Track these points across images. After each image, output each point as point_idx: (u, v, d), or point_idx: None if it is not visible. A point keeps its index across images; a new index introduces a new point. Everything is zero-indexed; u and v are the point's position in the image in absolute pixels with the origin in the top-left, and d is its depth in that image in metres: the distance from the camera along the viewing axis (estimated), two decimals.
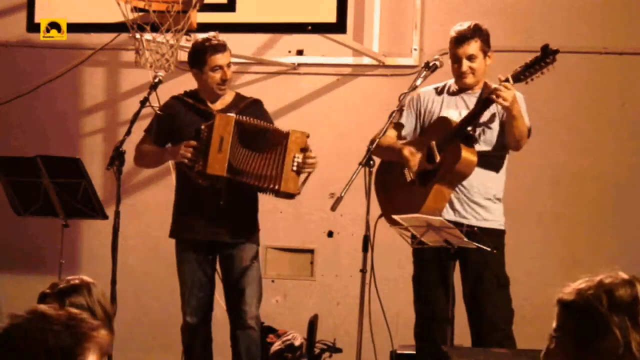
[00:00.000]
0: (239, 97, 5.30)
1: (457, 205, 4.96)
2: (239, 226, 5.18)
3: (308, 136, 5.12)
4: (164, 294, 6.56)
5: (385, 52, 6.43)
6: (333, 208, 4.77)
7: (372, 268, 4.92)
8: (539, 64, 4.68)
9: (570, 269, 6.16)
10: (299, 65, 6.56)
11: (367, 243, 4.83)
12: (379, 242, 5.01)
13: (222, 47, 5.13)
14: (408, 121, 5.11)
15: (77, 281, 3.14)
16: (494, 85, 4.77)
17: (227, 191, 5.10)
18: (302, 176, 5.14)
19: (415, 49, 6.37)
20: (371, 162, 4.81)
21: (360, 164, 4.79)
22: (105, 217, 5.63)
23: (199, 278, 5.20)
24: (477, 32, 4.94)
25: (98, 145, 6.84)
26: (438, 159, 4.90)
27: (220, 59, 5.13)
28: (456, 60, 4.96)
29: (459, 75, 4.98)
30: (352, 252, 6.19)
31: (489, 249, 4.71)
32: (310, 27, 5.27)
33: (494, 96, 4.71)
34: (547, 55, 4.68)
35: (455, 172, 4.86)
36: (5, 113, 6.91)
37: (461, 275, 5.03)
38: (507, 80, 4.72)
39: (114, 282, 5.09)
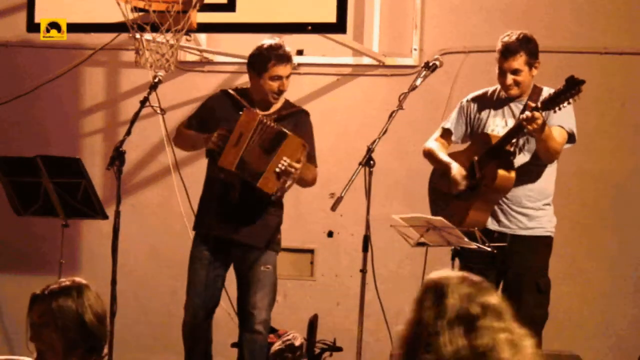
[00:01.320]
0: (286, 105, 5.28)
1: (501, 216, 4.99)
2: (259, 229, 5.14)
3: (304, 145, 5.05)
4: (164, 294, 6.56)
5: (385, 52, 6.43)
6: (333, 208, 4.77)
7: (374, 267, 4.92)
8: (564, 95, 4.66)
9: (570, 269, 6.16)
10: (299, 65, 6.56)
11: (367, 243, 4.84)
12: (379, 242, 5.01)
13: (287, 58, 5.10)
14: (458, 128, 5.15)
15: (68, 283, 3.10)
16: (525, 114, 4.74)
17: (242, 188, 5.08)
18: (288, 182, 5.09)
19: (415, 49, 6.37)
20: (371, 162, 4.82)
21: (360, 164, 4.80)
22: (105, 217, 5.64)
23: (207, 277, 5.18)
24: (522, 46, 4.93)
25: (98, 145, 6.84)
26: (478, 175, 4.94)
27: (282, 69, 5.09)
28: (501, 73, 4.98)
29: (503, 87, 5.00)
30: (352, 252, 6.19)
31: (489, 249, 4.72)
32: (310, 27, 5.26)
33: (524, 123, 4.71)
34: (572, 87, 4.65)
35: (494, 191, 4.92)
36: (6, 113, 6.91)
37: (502, 279, 5.05)
38: (536, 108, 4.71)
39: (114, 282, 5.09)
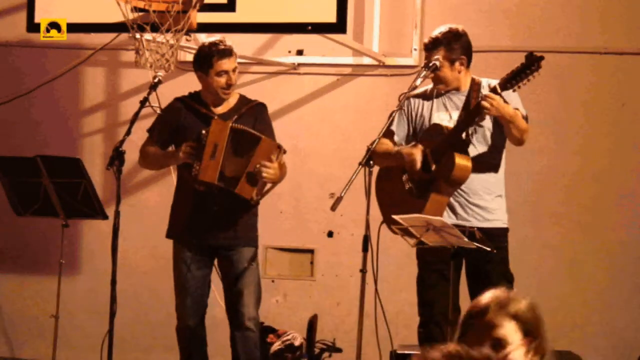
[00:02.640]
0: (242, 100, 5.29)
1: (458, 209, 4.96)
2: (236, 230, 5.16)
3: (279, 147, 5.07)
4: (164, 294, 6.55)
5: (385, 52, 6.43)
6: (333, 208, 4.77)
7: (378, 268, 4.92)
8: (524, 72, 4.66)
9: (570, 269, 6.16)
10: (299, 65, 6.56)
11: (367, 243, 4.83)
12: (379, 242, 5.01)
13: (229, 52, 5.13)
14: (400, 127, 5.12)
15: None
16: (482, 93, 4.78)
17: (220, 197, 5.09)
18: (267, 186, 5.10)
19: (415, 49, 6.37)
20: (371, 162, 4.81)
21: (360, 164, 4.79)
22: (105, 217, 5.64)
23: (195, 279, 5.20)
24: (440, 43, 4.93)
25: (98, 145, 6.84)
26: (433, 167, 4.91)
27: (226, 64, 5.12)
28: None
29: None
30: (352, 252, 6.19)
31: (489, 249, 4.71)
32: (310, 27, 5.27)
33: (482, 104, 4.73)
34: (532, 63, 4.65)
35: (451, 182, 4.88)
36: (6, 113, 6.91)
37: (466, 274, 5.04)
38: (494, 89, 4.72)
39: (114, 282, 5.10)
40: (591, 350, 5.94)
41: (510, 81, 4.71)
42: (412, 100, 5.12)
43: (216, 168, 5.00)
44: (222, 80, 5.14)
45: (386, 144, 5.09)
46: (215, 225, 5.13)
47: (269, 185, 5.13)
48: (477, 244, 4.70)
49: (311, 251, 6.58)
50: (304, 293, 6.56)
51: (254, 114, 5.22)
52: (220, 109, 5.22)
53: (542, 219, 6.18)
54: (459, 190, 4.94)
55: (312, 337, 6.00)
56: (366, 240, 4.83)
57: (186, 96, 5.32)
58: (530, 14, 6.22)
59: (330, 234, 6.54)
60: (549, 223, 6.21)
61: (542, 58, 4.65)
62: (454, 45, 4.94)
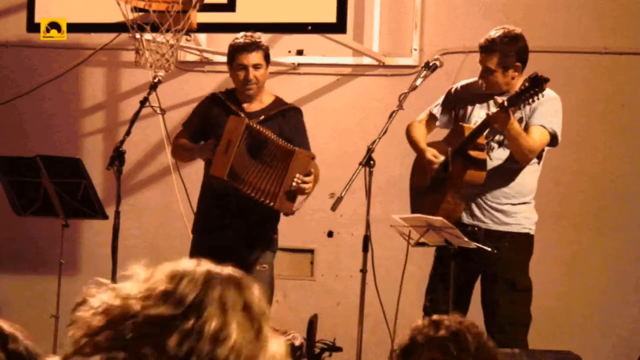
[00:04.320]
0: (276, 102, 5.23)
1: (476, 210, 4.95)
2: (252, 233, 5.13)
3: (313, 158, 5.02)
4: None
5: (385, 52, 6.43)
6: (333, 208, 4.77)
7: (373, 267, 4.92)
8: (529, 92, 4.63)
9: (570, 270, 6.16)
10: (299, 65, 6.56)
11: (367, 243, 4.84)
12: (379, 242, 5.01)
13: (249, 47, 5.05)
14: (444, 114, 5.10)
15: None
16: (491, 110, 4.76)
17: (236, 197, 5.05)
18: (300, 197, 5.08)
19: (415, 49, 6.37)
20: (371, 162, 4.82)
21: (360, 164, 4.80)
22: (105, 217, 5.64)
23: None
24: (495, 46, 4.84)
25: (98, 145, 6.84)
26: (450, 168, 4.91)
27: (244, 58, 5.04)
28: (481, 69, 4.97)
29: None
30: (352, 252, 6.19)
31: (489, 249, 4.71)
32: (310, 27, 5.27)
33: (490, 120, 4.71)
34: (536, 85, 4.62)
35: (464, 184, 4.87)
36: (6, 113, 6.91)
37: (481, 277, 5.02)
38: (502, 104, 4.68)
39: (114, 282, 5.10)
40: (591, 350, 5.93)
41: (516, 100, 4.64)
42: (460, 89, 5.09)
43: (227, 163, 4.95)
44: (241, 74, 5.07)
45: (425, 130, 5.09)
46: (229, 225, 5.10)
47: (304, 197, 5.09)
48: (477, 244, 4.70)
49: (311, 251, 6.58)
50: (304, 293, 6.56)
51: (285, 118, 5.16)
52: (251, 107, 5.17)
53: (542, 219, 6.16)
54: (479, 193, 4.92)
55: (312, 337, 6.00)
56: (366, 240, 4.84)
57: (222, 92, 5.29)
58: (529, 14, 6.22)
59: (330, 234, 6.54)
60: (549, 223, 6.20)
61: (547, 80, 4.57)
62: (509, 51, 4.86)
